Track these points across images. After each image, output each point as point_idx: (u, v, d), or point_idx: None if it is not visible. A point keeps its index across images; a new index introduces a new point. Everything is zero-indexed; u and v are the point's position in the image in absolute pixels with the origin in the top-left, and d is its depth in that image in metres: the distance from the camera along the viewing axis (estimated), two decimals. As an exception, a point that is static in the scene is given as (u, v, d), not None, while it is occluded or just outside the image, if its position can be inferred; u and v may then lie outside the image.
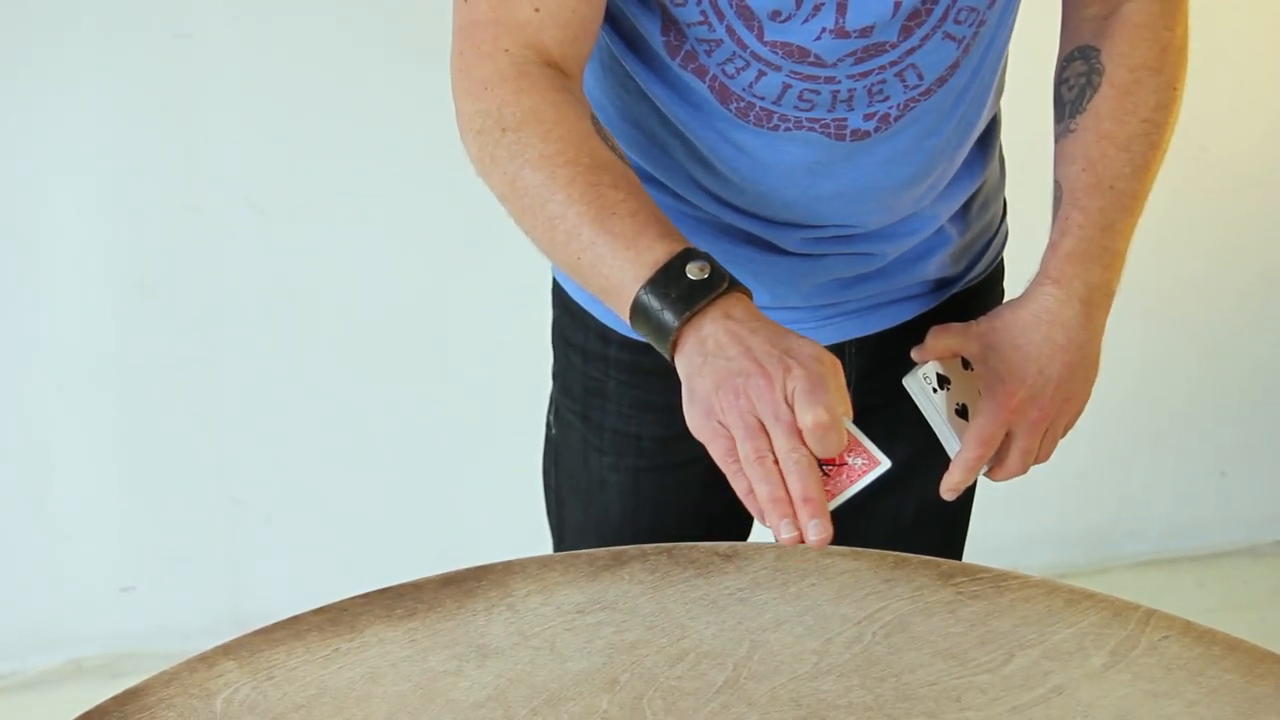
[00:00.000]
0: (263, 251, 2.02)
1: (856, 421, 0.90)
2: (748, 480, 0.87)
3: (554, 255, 0.96)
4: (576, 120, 0.96)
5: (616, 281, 0.91)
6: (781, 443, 0.85)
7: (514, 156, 0.95)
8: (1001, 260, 1.29)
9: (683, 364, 0.90)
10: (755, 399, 0.86)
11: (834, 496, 0.89)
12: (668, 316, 0.89)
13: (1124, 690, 0.89)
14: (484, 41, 0.98)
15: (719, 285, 0.89)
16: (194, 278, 2.02)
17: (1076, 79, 1.11)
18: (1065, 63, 1.13)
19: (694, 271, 0.89)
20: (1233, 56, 2.25)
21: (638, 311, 0.90)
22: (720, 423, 0.87)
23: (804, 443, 0.85)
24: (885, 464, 0.90)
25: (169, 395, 2.08)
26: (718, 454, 0.88)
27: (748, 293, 0.92)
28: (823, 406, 0.85)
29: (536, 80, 0.96)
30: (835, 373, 0.88)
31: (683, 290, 0.89)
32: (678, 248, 0.90)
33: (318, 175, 2.01)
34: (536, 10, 0.97)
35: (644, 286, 0.89)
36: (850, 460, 0.89)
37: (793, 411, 0.86)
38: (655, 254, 0.90)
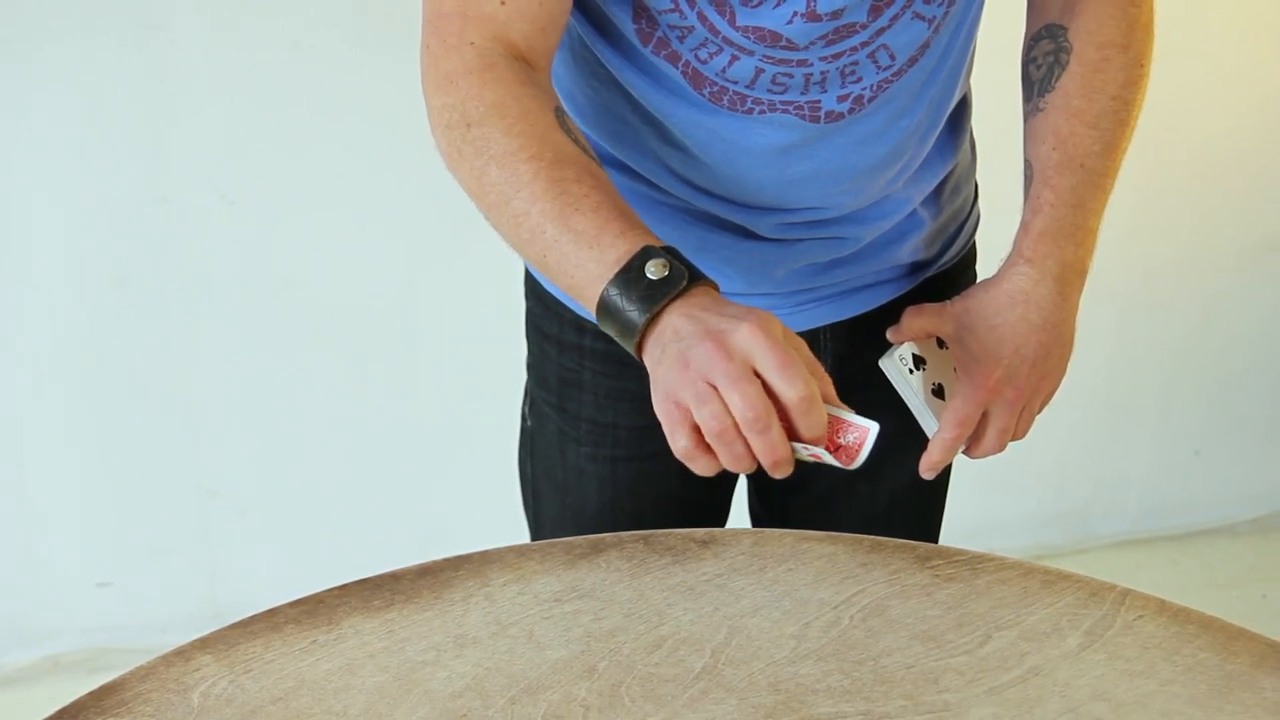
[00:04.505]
0: (234, 243, 2.02)
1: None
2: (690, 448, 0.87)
3: (521, 252, 0.95)
4: (540, 113, 0.95)
5: (581, 280, 0.91)
6: (736, 404, 0.83)
7: (479, 152, 0.94)
8: (974, 244, 1.29)
9: (649, 360, 0.90)
10: (706, 365, 0.84)
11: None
12: (631, 317, 0.88)
13: (1100, 670, 0.89)
14: (450, 34, 0.97)
15: (678, 283, 0.88)
16: (165, 270, 2.01)
17: (1044, 58, 1.11)
18: (1033, 42, 1.13)
19: (653, 270, 0.88)
20: (1200, 37, 2.26)
21: (602, 311, 0.90)
22: (676, 402, 0.86)
23: (756, 399, 0.83)
24: (874, 426, 0.88)
25: (142, 388, 2.07)
26: (666, 429, 0.87)
27: (713, 286, 0.91)
28: (801, 381, 0.84)
29: (502, 73, 0.96)
30: (796, 341, 0.88)
31: (643, 290, 0.88)
32: (637, 245, 0.89)
33: (288, 166, 2.00)
34: (503, 3, 0.96)
35: (606, 287, 0.89)
36: (843, 440, 0.88)
37: (743, 372, 0.84)
38: (617, 251, 0.89)
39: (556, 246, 0.91)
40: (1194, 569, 2.55)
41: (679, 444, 0.87)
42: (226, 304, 2.05)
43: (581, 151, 0.95)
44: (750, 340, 0.84)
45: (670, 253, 0.89)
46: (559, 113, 0.97)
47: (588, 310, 0.91)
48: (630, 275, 0.88)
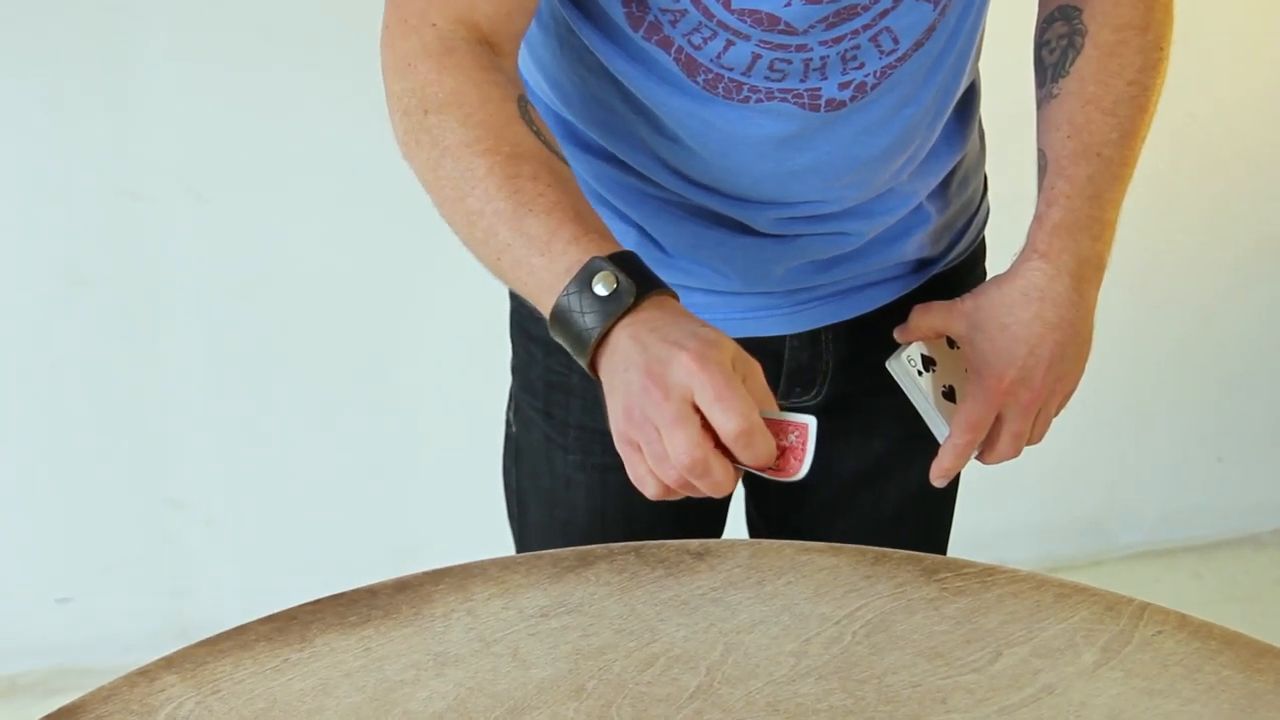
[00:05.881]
0: (203, 240, 2.01)
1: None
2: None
3: (475, 253, 0.94)
4: (501, 102, 0.94)
5: (534, 289, 0.90)
6: (673, 452, 0.83)
7: (435, 142, 0.93)
8: (983, 239, 1.30)
9: (603, 379, 0.89)
10: (646, 407, 0.84)
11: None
12: (581, 334, 0.88)
13: (1117, 688, 0.90)
14: (411, 15, 0.97)
15: (625, 299, 0.87)
16: (130, 269, 2.01)
17: (1058, 41, 1.11)
18: (1045, 24, 1.13)
19: (600, 285, 0.87)
20: (1222, 16, 2.26)
21: (554, 324, 0.89)
22: (633, 445, 0.86)
23: (690, 446, 0.83)
24: (811, 420, 0.88)
25: (104, 394, 2.07)
26: (633, 479, 0.88)
27: (668, 294, 0.90)
28: (735, 414, 0.83)
29: (462, 57, 0.95)
30: (748, 366, 0.87)
31: (590, 306, 0.87)
32: (586, 255, 0.88)
33: (261, 159, 2.00)
34: None
35: (557, 299, 0.88)
36: (787, 442, 0.88)
37: (678, 414, 0.83)
38: (567, 260, 0.88)
39: (509, 251, 0.90)
40: (1216, 581, 2.56)
41: (649, 491, 0.87)
42: (195, 305, 2.05)
43: (542, 145, 0.94)
44: (687, 373, 0.83)
45: (619, 262, 0.88)
46: (522, 102, 0.96)
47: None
48: (578, 289, 0.87)
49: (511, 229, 0.90)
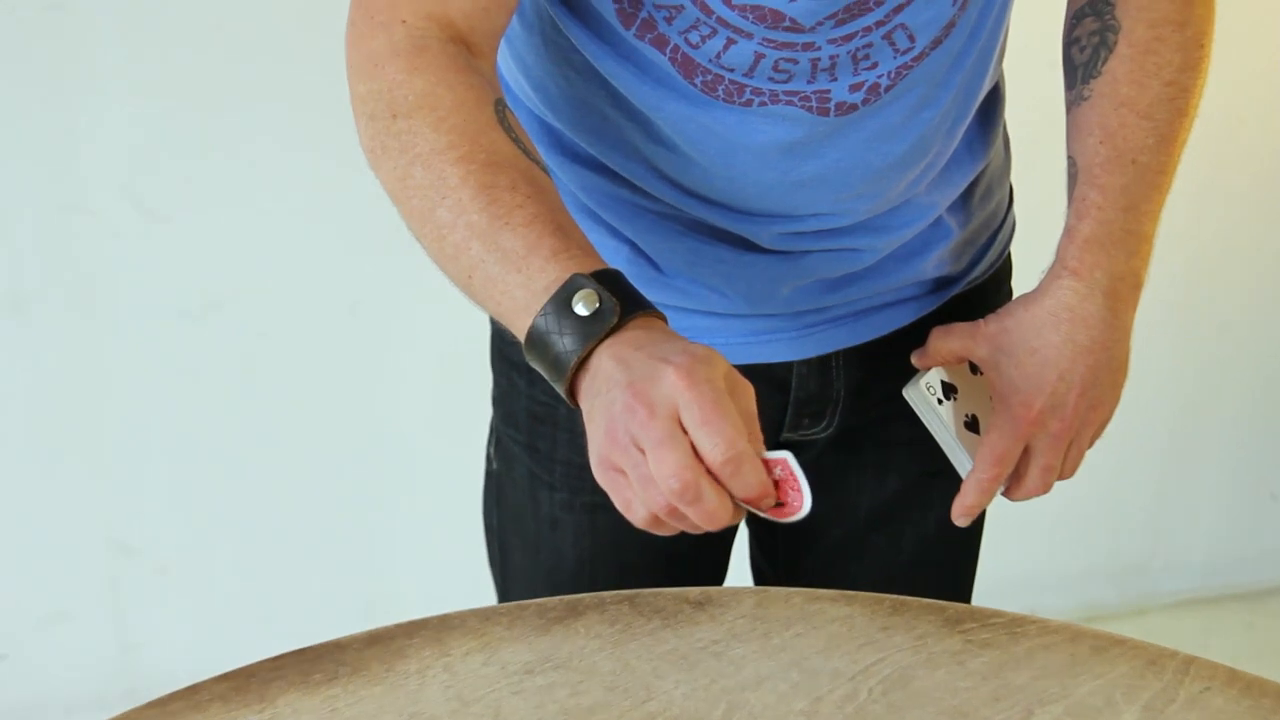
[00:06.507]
0: (150, 258, 2.01)
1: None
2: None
3: (445, 269, 0.94)
4: (476, 107, 0.95)
5: (509, 309, 0.90)
6: (660, 475, 0.83)
7: (405, 149, 0.93)
8: (1008, 255, 1.30)
9: (583, 406, 0.89)
10: (630, 426, 0.84)
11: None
12: (560, 357, 0.88)
13: (1161, 750, 0.90)
14: (379, 11, 0.97)
15: (608, 319, 0.87)
16: (71, 289, 2.00)
17: (1089, 38, 1.11)
18: (1075, 20, 1.13)
19: (580, 305, 0.87)
20: (1267, 12, 2.27)
21: (530, 346, 0.89)
22: (616, 470, 0.86)
23: (679, 468, 0.82)
24: (786, 454, 0.87)
25: (43, 425, 2.07)
26: (618, 504, 0.87)
27: (656, 315, 0.90)
28: (721, 439, 0.82)
29: (435, 57, 0.95)
30: (739, 386, 0.86)
31: (569, 327, 0.87)
32: (566, 273, 0.88)
33: (212, 169, 2.00)
34: None
35: (534, 320, 0.88)
36: (776, 476, 0.88)
37: (665, 434, 0.83)
38: (546, 278, 0.88)
39: (482, 267, 0.90)
40: (1270, 632, 2.56)
41: (637, 518, 0.87)
42: (142, 329, 2.04)
43: (522, 153, 0.95)
44: (674, 391, 0.83)
45: (604, 280, 0.88)
46: (499, 106, 0.96)
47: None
48: (557, 309, 0.87)
49: (485, 244, 0.90)
